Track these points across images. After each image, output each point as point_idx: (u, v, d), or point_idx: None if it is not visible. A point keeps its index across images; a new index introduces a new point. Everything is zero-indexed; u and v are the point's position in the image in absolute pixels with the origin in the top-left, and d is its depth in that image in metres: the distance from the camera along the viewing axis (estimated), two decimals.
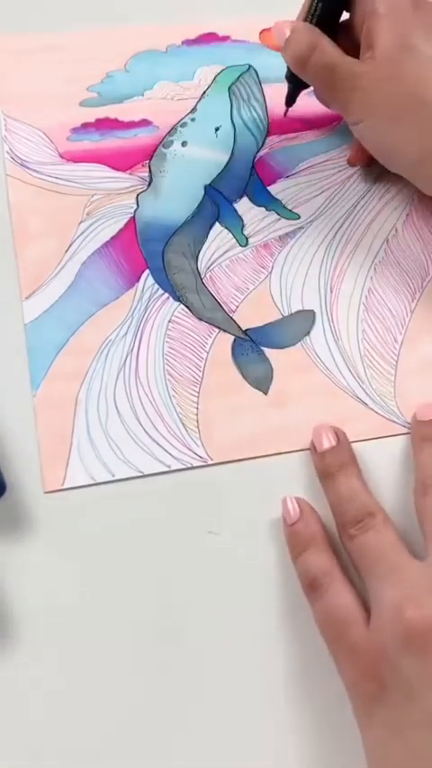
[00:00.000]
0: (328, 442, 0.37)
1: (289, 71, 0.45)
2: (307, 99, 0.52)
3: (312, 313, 0.43)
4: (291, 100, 0.48)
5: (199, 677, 0.33)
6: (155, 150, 0.48)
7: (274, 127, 0.50)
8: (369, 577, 0.33)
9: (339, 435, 0.38)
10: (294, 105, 0.51)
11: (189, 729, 0.32)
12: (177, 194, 0.47)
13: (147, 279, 0.43)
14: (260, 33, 0.56)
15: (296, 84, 0.46)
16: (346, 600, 0.33)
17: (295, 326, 0.42)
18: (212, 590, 0.35)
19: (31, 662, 0.33)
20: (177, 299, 0.43)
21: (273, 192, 0.47)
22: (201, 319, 0.42)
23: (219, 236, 0.45)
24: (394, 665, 0.30)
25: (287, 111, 0.48)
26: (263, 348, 0.41)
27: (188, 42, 0.54)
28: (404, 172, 0.43)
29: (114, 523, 0.36)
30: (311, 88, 0.45)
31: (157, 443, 0.38)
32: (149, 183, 0.47)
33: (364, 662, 0.31)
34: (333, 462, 0.37)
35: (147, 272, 0.43)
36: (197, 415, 0.39)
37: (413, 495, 0.36)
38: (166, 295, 0.43)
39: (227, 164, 0.48)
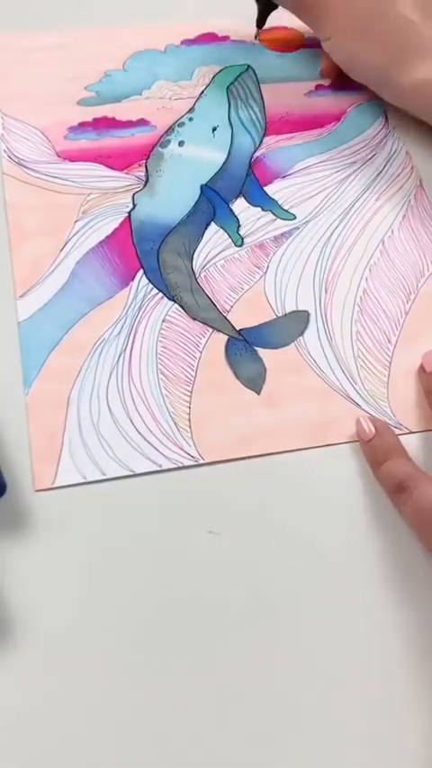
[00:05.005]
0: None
1: None
2: (305, 100, 0.52)
3: (306, 313, 0.43)
4: (261, 21, 0.52)
5: (199, 676, 0.33)
6: (152, 150, 0.49)
7: (271, 127, 0.50)
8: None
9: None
10: (291, 107, 0.52)
11: (189, 728, 0.32)
12: (173, 194, 0.47)
13: (141, 278, 0.43)
14: (259, 33, 0.56)
15: (266, 4, 0.51)
16: None
17: (289, 327, 0.42)
18: (204, 588, 0.35)
19: (25, 662, 0.33)
20: (171, 298, 0.43)
21: (269, 193, 0.47)
22: (195, 319, 0.42)
23: (214, 235, 0.45)
24: None
25: (258, 33, 0.53)
26: (256, 348, 0.41)
27: (187, 42, 0.55)
28: (369, 82, 0.49)
29: (105, 522, 0.36)
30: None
31: (149, 443, 0.38)
32: (146, 183, 0.47)
33: None
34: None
35: (141, 271, 0.43)
36: (189, 414, 0.39)
37: None
38: (161, 294, 0.43)
39: (223, 164, 0.48)
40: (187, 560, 0.35)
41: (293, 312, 0.43)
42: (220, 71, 0.53)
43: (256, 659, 0.34)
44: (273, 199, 0.47)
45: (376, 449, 0.37)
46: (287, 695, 0.33)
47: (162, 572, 0.35)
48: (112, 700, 0.32)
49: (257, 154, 0.49)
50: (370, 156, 0.50)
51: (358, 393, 0.40)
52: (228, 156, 0.49)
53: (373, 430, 0.37)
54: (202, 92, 0.52)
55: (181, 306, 0.42)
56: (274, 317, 0.43)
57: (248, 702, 0.33)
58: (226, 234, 0.45)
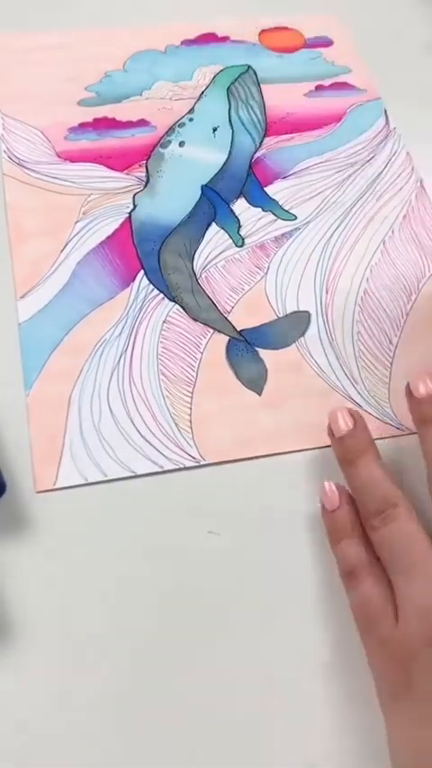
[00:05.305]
0: (345, 426, 0.36)
1: None
2: (305, 100, 0.52)
3: (307, 314, 0.43)
4: None
5: (200, 676, 0.33)
6: (152, 150, 0.48)
7: (271, 128, 0.50)
8: (394, 570, 0.33)
9: (356, 417, 0.37)
10: (292, 107, 0.52)
11: (190, 732, 0.32)
12: (174, 194, 0.47)
13: (142, 279, 0.43)
14: (260, 34, 0.56)
15: None
16: (379, 592, 0.33)
17: (290, 327, 0.42)
18: (205, 588, 0.35)
19: (25, 663, 0.33)
20: (172, 299, 0.42)
21: (270, 193, 0.47)
22: (196, 320, 0.42)
23: (215, 236, 0.45)
24: (421, 661, 0.30)
25: None
26: (257, 349, 0.41)
27: (187, 42, 0.55)
28: None
29: (106, 523, 0.36)
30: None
31: (150, 444, 0.38)
32: (146, 183, 0.47)
33: (391, 655, 0.31)
34: (352, 447, 0.36)
35: (142, 272, 0.43)
36: (190, 415, 0.39)
37: (427, 484, 0.36)
38: (161, 295, 0.42)
39: (224, 164, 0.48)
40: (188, 561, 0.35)
41: (294, 313, 0.43)
42: (221, 71, 0.53)
43: (257, 658, 0.34)
44: (273, 199, 0.47)
45: (338, 522, 0.35)
46: (297, 697, 0.33)
47: (163, 573, 0.35)
48: (113, 700, 0.32)
49: (258, 154, 0.49)
50: (370, 157, 0.50)
51: (359, 393, 0.40)
52: (228, 157, 0.49)
53: (338, 500, 0.35)
54: (203, 92, 0.52)
55: (182, 306, 0.42)
56: (275, 317, 0.43)
57: (252, 704, 0.33)
58: (227, 234, 0.45)
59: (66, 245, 0.44)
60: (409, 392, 0.37)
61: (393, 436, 0.39)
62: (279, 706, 0.33)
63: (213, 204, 0.46)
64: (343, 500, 0.36)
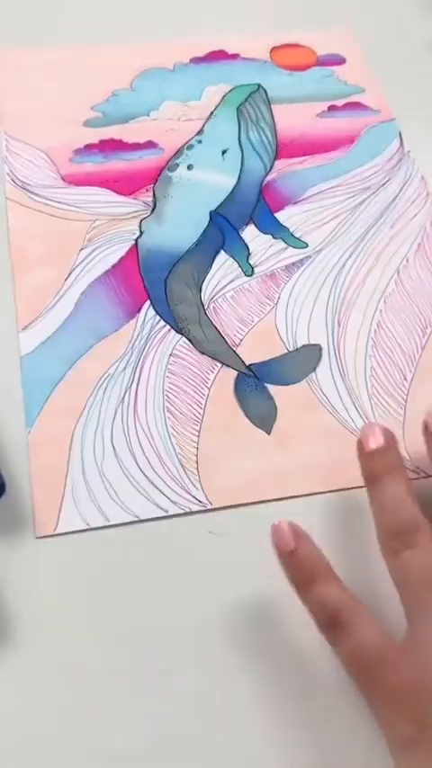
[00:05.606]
0: (375, 443, 0.34)
1: None
2: (318, 121, 0.51)
3: (319, 348, 0.41)
4: None
5: (199, 680, 0.32)
6: (160, 173, 0.47)
7: (282, 150, 0.49)
8: (411, 601, 0.31)
9: (388, 436, 0.34)
10: (303, 128, 0.50)
11: (190, 731, 0.31)
12: (182, 220, 0.45)
13: (148, 310, 0.42)
14: (271, 51, 0.55)
15: None
16: (374, 636, 0.30)
17: (301, 362, 0.41)
18: (208, 638, 0.33)
19: (25, 684, 0.32)
20: (179, 331, 0.41)
21: (280, 219, 0.46)
22: (203, 353, 0.40)
23: (223, 264, 0.44)
24: None
25: None
26: (267, 384, 0.40)
27: (196, 60, 0.53)
28: None
29: (108, 569, 0.34)
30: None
31: (155, 486, 0.36)
32: (153, 209, 0.45)
33: (402, 703, 0.29)
34: (379, 465, 0.33)
35: (148, 302, 0.42)
36: (197, 455, 0.37)
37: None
38: (168, 327, 0.41)
39: (233, 189, 0.47)
40: (192, 605, 0.34)
41: (305, 346, 0.41)
42: (231, 91, 0.52)
43: (259, 666, 0.32)
44: (284, 226, 0.46)
45: (302, 564, 0.31)
46: (303, 708, 0.32)
47: (166, 621, 0.34)
48: (113, 700, 0.31)
49: (268, 178, 0.48)
50: (384, 181, 0.48)
51: None
52: (238, 181, 0.47)
53: (292, 538, 0.31)
54: (212, 112, 0.50)
55: (189, 339, 0.41)
56: (286, 351, 0.41)
57: (254, 712, 0.32)
58: (236, 263, 0.44)
59: (70, 273, 0.42)
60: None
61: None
62: (281, 712, 0.32)
63: (222, 231, 0.45)
64: (300, 537, 0.32)
